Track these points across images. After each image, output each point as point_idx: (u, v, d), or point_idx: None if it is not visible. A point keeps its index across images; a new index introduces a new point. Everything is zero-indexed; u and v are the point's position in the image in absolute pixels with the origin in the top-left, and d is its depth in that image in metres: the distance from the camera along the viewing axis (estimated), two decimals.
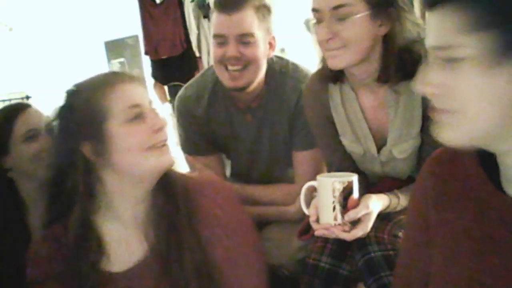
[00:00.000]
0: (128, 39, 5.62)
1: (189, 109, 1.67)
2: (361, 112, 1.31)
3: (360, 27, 1.13)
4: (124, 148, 1.03)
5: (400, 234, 1.22)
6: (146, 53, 4.96)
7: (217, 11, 1.51)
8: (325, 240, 1.25)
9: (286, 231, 1.57)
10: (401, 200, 1.26)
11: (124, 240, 1.10)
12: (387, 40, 1.19)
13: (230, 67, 1.51)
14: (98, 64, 5.70)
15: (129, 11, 5.05)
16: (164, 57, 4.75)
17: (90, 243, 1.08)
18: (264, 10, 1.54)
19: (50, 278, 1.07)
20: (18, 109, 1.47)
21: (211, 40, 1.58)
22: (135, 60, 5.57)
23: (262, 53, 1.54)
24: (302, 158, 1.63)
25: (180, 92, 1.73)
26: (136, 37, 5.42)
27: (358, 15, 1.12)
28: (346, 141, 1.37)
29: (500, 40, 0.66)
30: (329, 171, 1.46)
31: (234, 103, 1.64)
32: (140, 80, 1.11)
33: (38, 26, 5.47)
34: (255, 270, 1.13)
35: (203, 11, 4.61)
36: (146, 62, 5.22)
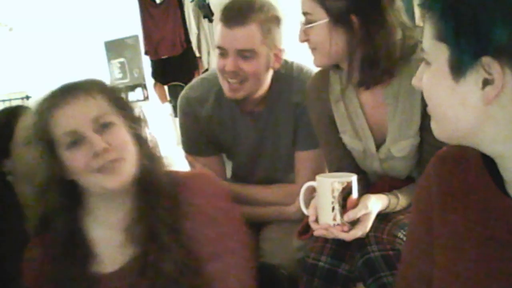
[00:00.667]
0: (128, 39, 5.62)
1: (194, 110, 1.67)
2: (361, 109, 1.32)
3: (322, 34, 1.22)
4: (74, 171, 1.04)
5: (400, 234, 1.22)
6: (146, 53, 4.96)
7: (221, 23, 1.51)
8: (325, 240, 1.25)
9: (285, 231, 1.57)
10: (400, 201, 1.26)
11: (112, 241, 1.10)
12: (364, 45, 1.21)
13: (229, 79, 1.52)
14: (98, 64, 5.70)
15: (129, 11, 5.05)
16: (164, 57, 4.76)
17: (78, 249, 1.10)
18: (271, 24, 1.53)
19: (43, 282, 1.09)
20: (19, 112, 1.45)
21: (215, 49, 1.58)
22: (135, 60, 5.57)
23: (263, 67, 1.54)
24: (303, 158, 1.63)
25: (185, 91, 1.73)
26: (136, 37, 5.42)
27: (318, 23, 1.20)
28: (346, 137, 1.38)
29: (451, 56, 0.70)
30: (329, 169, 1.47)
31: (239, 106, 1.64)
32: (91, 92, 1.07)
33: (38, 26, 5.47)
34: (241, 262, 1.10)
35: (203, 11, 4.61)
36: (146, 62, 5.22)
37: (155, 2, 4.81)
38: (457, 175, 0.83)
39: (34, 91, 5.48)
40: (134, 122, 1.12)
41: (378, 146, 1.33)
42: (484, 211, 0.78)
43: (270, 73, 1.58)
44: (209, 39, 4.71)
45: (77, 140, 1.02)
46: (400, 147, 1.29)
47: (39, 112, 1.06)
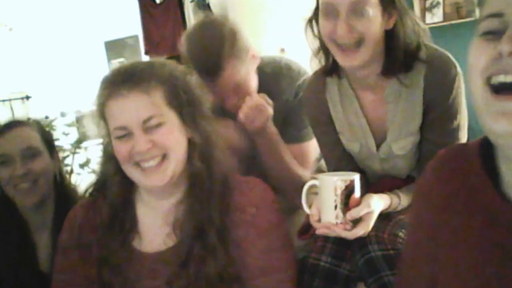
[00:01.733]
0: (128, 39, 5.62)
1: None
2: (361, 108, 1.32)
3: (375, 22, 1.15)
4: (119, 159, 1.09)
5: (401, 233, 1.22)
6: (146, 53, 4.97)
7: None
8: (325, 239, 1.25)
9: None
10: (402, 200, 1.26)
11: (156, 225, 1.13)
12: (392, 35, 1.20)
13: (235, 103, 1.50)
14: (98, 64, 5.71)
15: (129, 11, 5.06)
16: (164, 57, 4.76)
17: (125, 218, 1.14)
18: (236, 50, 1.46)
19: (77, 246, 1.13)
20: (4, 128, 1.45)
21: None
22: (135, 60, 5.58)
23: (244, 78, 1.50)
24: (300, 150, 1.64)
25: None
26: (136, 37, 5.42)
27: (373, 9, 1.14)
28: (344, 139, 1.38)
29: None
30: (328, 169, 1.47)
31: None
32: (148, 88, 1.07)
33: (38, 26, 5.47)
34: (287, 276, 1.09)
35: (203, 11, 4.61)
36: None
37: (155, 2, 4.82)
38: (457, 177, 0.82)
39: (34, 91, 5.49)
40: (193, 121, 1.11)
41: (378, 146, 1.33)
42: (485, 215, 0.77)
43: (254, 75, 1.56)
44: None
45: (125, 134, 1.05)
46: (401, 145, 1.29)
47: (98, 96, 1.10)
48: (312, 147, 1.66)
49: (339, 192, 1.13)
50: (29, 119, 1.59)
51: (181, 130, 1.09)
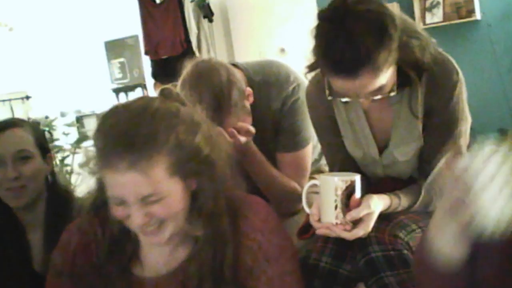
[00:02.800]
0: (128, 39, 5.62)
1: None
2: (364, 114, 1.32)
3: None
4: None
5: (401, 234, 1.22)
6: (146, 53, 4.96)
7: None
8: (326, 240, 1.26)
9: (287, 230, 1.57)
10: (402, 201, 1.26)
11: (157, 251, 1.08)
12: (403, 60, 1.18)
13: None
14: (98, 64, 5.70)
15: (129, 11, 5.06)
16: (164, 57, 4.76)
17: (127, 244, 1.07)
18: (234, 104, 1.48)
19: (68, 272, 1.06)
20: None
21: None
22: (135, 60, 5.57)
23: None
24: (285, 160, 1.64)
25: None
26: (136, 37, 5.42)
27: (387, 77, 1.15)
28: (347, 143, 1.38)
29: None
30: (331, 171, 1.47)
31: None
32: (146, 168, 0.95)
33: (38, 26, 5.47)
34: None
35: (203, 11, 4.62)
36: (146, 62, 5.22)
37: (155, 2, 4.81)
38: None
39: (34, 91, 5.49)
40: (199, 173, 1.00)
41: (380, 152, 1.33)
42: None
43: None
44: (209, 39, 4.71)
45: (122, 203, 0.97)
46: (404, 151, 1.29)
47: (95, 159, 0.99)
48: (308, 153, 1.66)
49: (339, 192, 1.13)
50: (22, 120, 1.58)
51: (183, 196, 1.00)
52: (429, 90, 1.23)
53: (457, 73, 1.23)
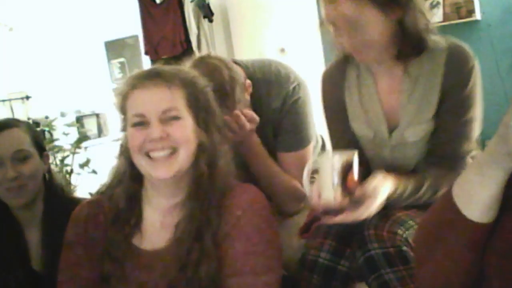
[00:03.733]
0: (128, 39, 5.62)
1: None
2: (376, 94, 1.35)
3: (375, 29, 1.25)
4: (131, 149, 1.14)
5: (400, 231, 1.22)
6: (146, 53, 4.96)
7: None
8: (324, 236, 1.26)
9: (285, 232, 1.57)
10: (410, 187, 1.25)
11: (156, 224, 1.17)
12: (403, 24, 1.27)
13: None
14: (98, 64, 5.70)
15: (129, 11, 5.06)
16: (164, 57, 4.75)
17: (131, 215, 1.18)
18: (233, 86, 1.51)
19: (81, 241, 1.18)
20: None
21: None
22: (135, 60, 5.57)
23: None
24: (288, 160, 1.65)
25: None
26: (136, 37, 5.42)
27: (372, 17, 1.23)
28: (357, 125, 1.40)
29: None
30: None
31: None
32: (171, 85, 1.13)
33: (38, 26, 5.47)
34: (260, 281, 1.09)
35: (203, 11, 4.61)
36: (146, 62, 5.22)
37: (155, 2, 4.81)
38: None
39: (34, 91, 5.48)
40: (206, 127, 1.16)
41: (390, 133, 1.35)
42: None
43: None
44: (209, 39, 4.71)
45: (142, 122, 1.11)
46: (414, 132, 1.31)
47: (121, 89, 1.15)
48: (310, 152, 1.67)
49: (336, 166, 1.14)
50: (17, 120, 1.58)
51: (194, 131, 1.14)
52: (448, 72, 1.27)
53: (474, 60, 1.28)
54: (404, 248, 1.18)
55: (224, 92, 1.44)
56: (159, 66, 1.21)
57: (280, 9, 4.23)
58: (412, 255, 1.16)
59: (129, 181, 1.19)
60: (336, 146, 1.49)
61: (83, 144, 3.60)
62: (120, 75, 5.70)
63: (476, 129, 1.30)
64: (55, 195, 1.50)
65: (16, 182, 1.40)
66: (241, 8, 4.46)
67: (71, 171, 3.36)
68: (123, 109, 1.16)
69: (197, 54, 3.56)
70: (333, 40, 1.36)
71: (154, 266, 1.13)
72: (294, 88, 1.63)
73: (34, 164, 1.45)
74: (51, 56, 5.48)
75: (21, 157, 1.42)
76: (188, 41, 4.66)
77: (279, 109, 1.62)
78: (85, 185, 3.04)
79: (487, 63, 3.66)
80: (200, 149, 1.14)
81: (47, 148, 1.60)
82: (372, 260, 1.18)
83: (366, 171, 1.37)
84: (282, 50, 4.18)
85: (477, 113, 1.29)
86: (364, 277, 1.21)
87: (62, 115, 5.25)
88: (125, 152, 1.18)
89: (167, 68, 1.18)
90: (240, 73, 1.55)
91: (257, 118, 1.52)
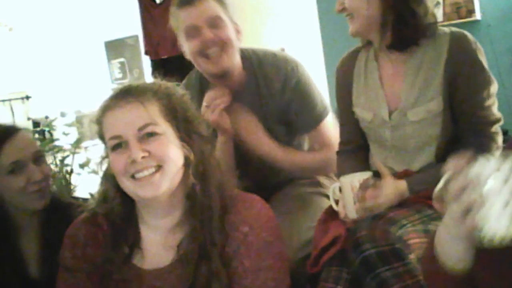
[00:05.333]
0: (128, 39, 5.62)
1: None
2: (379, 80, 1.42)
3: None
4: (115, 173, 1.08)
5: (392, 229, 1.22)
6: (146, 53, 4.96)
7: (175, 7, 1.63)
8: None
9: (285, 232, 1.57)
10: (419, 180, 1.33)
11: (159, 243, 1.12)
12: (397, 9, 1.32)
13: (209, 51, 1.56)
14: (98, 64, 5.71)
15: (129, 11, 5.06)
16: (164, 57, 4.75)
17: (129, 235, 1.13)
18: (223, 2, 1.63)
19: (81, 266, 1.12)
20: (3, 138, 1.36)
21: (182, 38, 1.63)
22: (135, 60, 5.58)
23: (234, 36, 1.60)
24: (311, 139, 1.71)
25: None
26: (136, 37, 5.42)
27: None
28: (358, 109, 1.48)
29: None
30: (340, 139, 1.59)
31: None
32: (143, 100, 1.07)
33: (38, 26, 5.48)
34: None
35: None
36: (146, 62, 5.22)
37: (155, 2, 4.81)
38: None
39: (34, 91, 5.49)
40: (189, 137, 1.10)
41: (390, 115, 1.40)
42: None
43: (238, 50, 1.62)
44: None
45: (120, 144, 1.05)
46: (416, 112, 1.36)
47: (95, 116, 1.11)
48: (328, 123, 1.70)
49: (355, 190, 1.29)
50: (18, 126, 1.53)
51: (177, 145, 1.08)
52: (451, 56, 1.32)
53: (476, 43, 1.33)
54: (398, 245, 1.18)
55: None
56: (133, 82, 1.14)
57: (280, 9, 4.23)
58: (406, 252, 1.17)
59: (120, 203, 1.12)
60: (341, 130, 1.58)
61: (83, 144, 3.59)
62: (120, 75, 5.70)
63: (494, 105, 1.35)
64: (54, 200, 1.45)
65: (42, 184, 1.38)
66: (241, 8, 4.46)
67: (71, 171, 3.36)
68: (101, 136, 1.10)
69: None
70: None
71: (157, 286, 1.09)
72: (292, 68, 1.63)
73: (47, 165, 1.45)
74: (51, 56, 5.48)
75: (40, 158, 1.40)
76: None
77: (281, 91, 1.62)
78: (85, 185, 3.04)
79: (487, 63, 3.66)
80: (187, 163, 1.09)
81: (47, 148, 1.60)
82: (367, 261, 1.18)
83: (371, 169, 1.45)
84: (282, 50, 4.18)
85: (493, 88, 1.35)
86: (361, 279, 1.20)
87: (62, 115, 5.25)
88: (111, 179, 1.11)
89: (138, 83, 1.12)
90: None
91: (227, 93, 1.58)
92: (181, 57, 1.81)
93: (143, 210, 1.13)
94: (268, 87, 1.63)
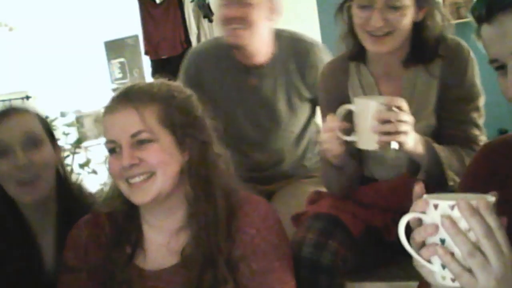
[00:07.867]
0: (128, 39, 5.62)
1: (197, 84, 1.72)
2: (377, 92, 1.38)
3: (408, 15, 1.23)
4: (111, 175, 1.10)
5: None
6: (146, 53, 4.96)
7: None
8: (306, 230, 1.28)
9: (288, 229, 1.57)
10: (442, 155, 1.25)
11: (160, 244, 1.11)
12: (420, 26, 1.27)
13: (230, 27, 1.62)
14: (98, 64, 5.71)
15: (129, 11, 5.06)
16: (164, 57, 4.76)
17: (131, 236, 1.12)
18: None
19: (83, 267, 1.11)
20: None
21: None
22: (135, 60, 5.58)
23: (261, 17, 1.66)
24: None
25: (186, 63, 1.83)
26: (136, 37, 5.42)
27: (407, 2, 1.22)
28: None
29: None
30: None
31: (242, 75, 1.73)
32: (139, 105, 1.04)
33: (38, 26, 5.48)
34: None
35: (203, 11, 4.61)
36: (146, 62, 5.22)
37: (155, 2, 4.81)
38: (505, 156, 0.86)
39: (35, 91, 5.49)
40: (189, 141, 1.07)
41: None
42: None
43: (264, 29, 1.68)
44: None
45: (114, 148, 1.05)
46: (417, 128, 1.33)
47: (101, 113, 1.11)
48: None
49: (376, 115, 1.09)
50: (24, 106, 1.44)
51: (174, 151, 1.05)
52: (444, 65, 1.30)
53: (469, 52, 1.30)
54: None
55: None
56: (135, 83, 1.10)
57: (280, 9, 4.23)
58: None
59: (123, 203, 1.11)
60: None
61: (83, 144, 3.60)
62: (120, 75, 5.70)
63: (480, 117, 1.32)
64: (70, 193, 1.36)
65: (28, 172, 1.24)
66: None
67: (71, 171, 3.36)
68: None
69: None
70: (343, 35, 1.37)
71: (160, 287, 1.08)
72: (306, 47, 1.72)
73: (47, 152, 1.29)
74: (51, 56, 5.48)
75: (32, 142, 1.27)
76: (188, 41, 4.65)
77: (309, 72, 1.70)
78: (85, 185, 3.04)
79: (487, 63, 3.66)
80: (187, 168, 1.07)
81: None
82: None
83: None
84: None
85: (481, 101, 1.32)
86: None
87: (62, 115, 5.25)
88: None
89: (138, 85, 1.09)
90: None
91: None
92: (181, 57, 1.82)
93: (144, 210, 1.13)
94: (298, 66, 1.71)
